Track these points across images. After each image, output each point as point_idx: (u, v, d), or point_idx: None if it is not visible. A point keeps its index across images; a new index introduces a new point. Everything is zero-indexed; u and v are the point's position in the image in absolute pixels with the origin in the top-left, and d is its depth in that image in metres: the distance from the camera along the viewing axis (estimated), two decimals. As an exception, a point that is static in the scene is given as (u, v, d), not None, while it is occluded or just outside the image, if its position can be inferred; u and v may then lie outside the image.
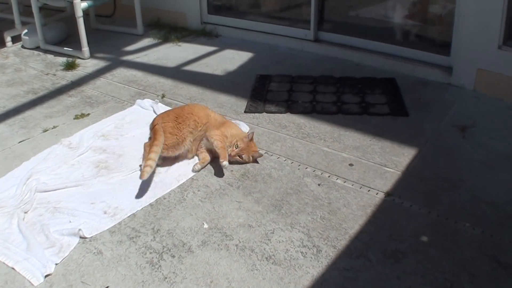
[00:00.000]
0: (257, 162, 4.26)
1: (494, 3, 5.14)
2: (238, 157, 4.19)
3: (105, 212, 3.66)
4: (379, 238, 3.39)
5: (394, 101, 5.22)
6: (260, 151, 4.32)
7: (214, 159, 4.25)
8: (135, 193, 3.88)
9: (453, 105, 5.04)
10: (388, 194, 3.83)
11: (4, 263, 3.24)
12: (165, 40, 7.39)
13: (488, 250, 3.26)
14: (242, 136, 4.29)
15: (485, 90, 5.37)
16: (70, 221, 3.57)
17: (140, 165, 4.12)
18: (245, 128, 4.73)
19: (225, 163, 4.02)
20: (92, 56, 6.82)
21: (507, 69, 5.17)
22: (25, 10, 7.75)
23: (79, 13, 6.57)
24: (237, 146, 4.16)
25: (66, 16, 7.79)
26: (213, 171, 4.16)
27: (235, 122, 4.79)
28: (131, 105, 5.28)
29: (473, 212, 3.61)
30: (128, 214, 3.64)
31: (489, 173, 4.09)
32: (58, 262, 3.24)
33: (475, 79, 5.42)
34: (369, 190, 3.88)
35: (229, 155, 4.14)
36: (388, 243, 3.34)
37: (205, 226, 3.51)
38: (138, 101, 5.29)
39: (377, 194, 3.84)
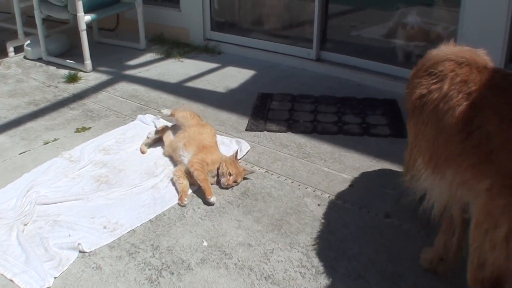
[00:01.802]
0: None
1: (497, 25, 5.18)
2: (234, 183, 4.20)
3: (104, 227, 3.67)
4: (377, 260, 3.40)
5: (395, 123, 5.23)
6: (260, 170, 4.34)
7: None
8: (135, 209, 3.88)
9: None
10: (387, 216, 3.84)
11: (2, 274, 3.24)
12: (168, 55, 7.41)
13: (488, 272, 3.26)
14: (225, 158, 4.29)
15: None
16: (69, 235, 3.57)
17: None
18: (245, 146, 4.76)
19: (212, 199, 3.99)
20: (94, 69, 6.84)
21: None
22: (28, 21, 7.75)
23: (82, 26, 6.60)
24: (230, 174, 4.15)
25: (69, 28, 7.80)
26: (213, 189, 4.14)
27: (236, 140, 4.82)
28: (132, 120, 5.30)
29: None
30: (128, 230, 3.64)
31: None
32: (57, 276, 3.25)
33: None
34: (368, 212, 3.89)
35: (227, 184, 4.14)
36: (386, 265, 3.35)
37: (205, 244, 3.51)
38: (140, 116, 5.31)
39: (376, 215, 3.85)
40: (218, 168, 4.25)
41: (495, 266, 2.51)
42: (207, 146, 4.40)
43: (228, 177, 4.14)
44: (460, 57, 2.97)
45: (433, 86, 2.94)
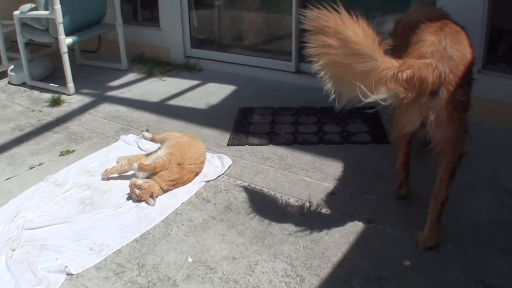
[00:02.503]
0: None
1: (474, 28, 5.22)
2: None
3: (91, 249, 3.70)
4: (362, 265, 3.43)
5: (375, 129, 5.30)
6: (242, 184, 4.42)
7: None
8: (120, 229, 3.91)
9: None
10: (370, 221, 3.88)
11: (-8, 301, 3.28)
12: (149, 75, 7.45)
13: (471, 271, 3.32)
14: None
15: (467, 113, 5.47)
16: (56, 258, 3.59)
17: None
18: (227, 161, 4.80)
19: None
20: (77, 91, 6.86)
21: (487, 92, 5.24)
22: (12, 46, 7.78)
23: (64, 49, 6.64)
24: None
25: (52, 51, 7.82)
26: (196, 205, 4.20)
27: (218, 155, 4.87)
28: (115, 141, 5.33)
29: (455, 234, 3.68)
30: (114, 250, 3.67)
31: (469, 195, 4.18)
32: (45, 299, 3.29)
33: (456, 103, 5.50)
34: (351, 218, 3.93)
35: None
36: (371, 270, 3.38)
37: (190, 260, 3.54)
38: (122, 136, 5.34)
39: (359, 221, 3.89)
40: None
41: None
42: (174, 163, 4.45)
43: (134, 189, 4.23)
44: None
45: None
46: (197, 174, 4.58)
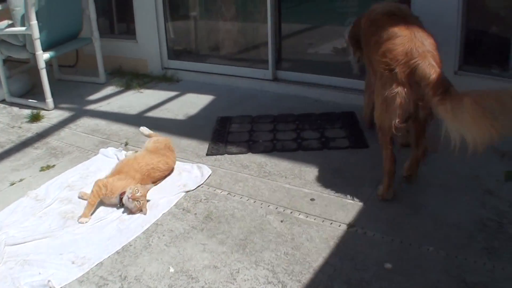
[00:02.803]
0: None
1: (449, 30, 5.28)
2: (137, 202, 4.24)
3: (73, 262, 3.69)
4: (343, 269, 3.45)
5: (353, 134, 5.33)
6: (222, 192, 4.44)
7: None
8: (102, 242, 3.90)
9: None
10: (350, 225, 3.90)
11: (-24, 318, 3.28)
12: (127, 87, 7.45)
13: (454, 272, 3.34)
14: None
15: (444, 115, 5.51)
16: (39, 273, 3.59)
17: None
18: (207, 171, 4.80)
19: (81, 220, 4.17)
20: (56, 107, 6.85)
21: (464, 94, 5.32)
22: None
23: (41, 65, 6.64)
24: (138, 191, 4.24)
25: (30, 67, 7.80)
26: (176, 215, 4.20)
27: (197, 165, 4.89)
28: (95, 155, 5.33)
29: (436, 236, 3.71)
30: (96, 263, 3.67)
31: (450, 196, 4.21)
32: (29, 314, 3.29)
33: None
34: (331, 223, 3.95)
35: (131, 196, 4.22)
36: (353, 273, 3.40)
37: (171, 270, 3.55)
38: (102, 150, 5.34)
39: (339, 226, 3.91)
40: (121, 195, 4.32)
41: None
42: (125, 172, 4.51)
43: (135, 194, 4.21)
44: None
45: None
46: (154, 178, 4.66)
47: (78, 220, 4.10)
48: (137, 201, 4.19)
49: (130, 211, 4.24)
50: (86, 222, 4.12)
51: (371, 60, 4.45)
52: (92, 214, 4.24)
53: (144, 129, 5.17)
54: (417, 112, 4.04)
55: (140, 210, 4.22)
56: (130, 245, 3.85)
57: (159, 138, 5.00)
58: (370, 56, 4.51)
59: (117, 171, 4.53)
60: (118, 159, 5.08)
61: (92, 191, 4.27)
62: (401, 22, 4.17)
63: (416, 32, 4.02)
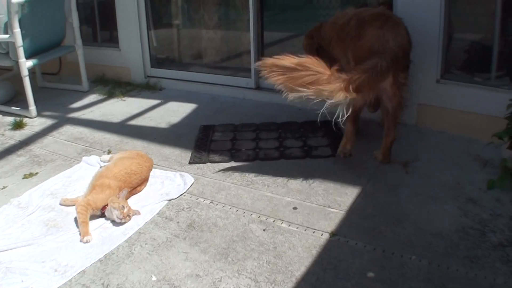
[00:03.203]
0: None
1: (431, 38, 5.32)
2: (128, 217, 4.22)
3: (55, 270, 3.67)
4: (325, 278, 3.45)
5: (336, 143, 5.31)
6: (204, 201, 4.45)
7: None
8: (84, 250, 3.89)
9: (395, 142, 5.16)
10: (333, 234, 3.91)
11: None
12: (110, 95, 7.45)
13: (436, 280, 3.36)
14: (112, 198, 4.31)
15: (427, 124, 5.61)
16: (22, 281, 3.57)
17: None
18: (189, 180, 4.81)
19: (85, 239, 4.04)
20: (39, 114, 6.83)
21: (446, 102, 5.36)
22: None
23: (24, 72, 6.63)
24: (124, 207, 4.20)
25: (13, 75, 7.79)
26: (159, 224, 4.20)
27: (180, 174, 4.89)
28: (78, 162, 5.31)
29: (419, 244, 3.72)
30: (78, 271, 3.65)
31: (432, 205, 4.23)
32: (11, 323, 3.28)
33: (416, 114, 5.64)
34: (313, 232, 3.96)
35: (122, 218, 4.18)
36: (335, 282, 3.40)
37: (153, 278, 3.55)
38: (85, 158, 5.33)
39: (322, 235, 3.92)
40: (104, 208, 4.29)
41: None
42: (100, 185, 4.46)
43: (122, 210, 4.17)
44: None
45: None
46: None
47: (82, 240, 4.01)
48: (128, 216, 4.21)
49: (113, 220, 4.24)
50: (91, 239, 4.06)
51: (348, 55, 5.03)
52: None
53: (104, 157, 5.15)
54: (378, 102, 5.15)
55: (129, 216, 4.22)
56: (113, 254, 3.84)
57: (127, 150, 5.01)
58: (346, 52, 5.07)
59: (92, 187, 4.49)
60: (101, 167, 5.07)
61: (78, 213, 4.20)
62: (380, 23, 4.78)
63: (389, 34, 4.68)
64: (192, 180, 4.81)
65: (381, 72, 4.47)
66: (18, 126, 6.45)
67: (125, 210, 4.18)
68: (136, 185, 4.64)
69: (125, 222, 4.19)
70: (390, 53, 4.52)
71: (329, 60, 4.80)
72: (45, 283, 3.56)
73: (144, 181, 4.74)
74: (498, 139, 4.56)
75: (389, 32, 4.62)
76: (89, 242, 4.00)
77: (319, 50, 5.49)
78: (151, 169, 4.90)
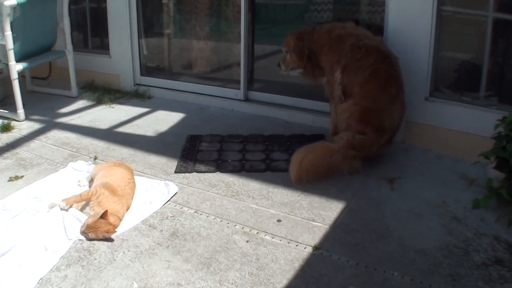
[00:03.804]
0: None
1: (421, 57, 5.35)
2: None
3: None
4: (307, 292, 3.45)
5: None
6: (189, 210, 4.45)
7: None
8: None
9: (381, 158, 5.20)
10: (316, 248, 3.91)
11: None
12: (99, 102, 7.44)
13: (418, 297, 3.36)
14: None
15: (414, 141, 5.63)
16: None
17: None
18: (173, 189, 4.79)
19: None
20: (27, 118, 6.82)
21: (434, 120, 5.39)
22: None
23: (14, 75, 6.62)
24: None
25: (2, 78, 7.76)
26: (142, 231, 4.19)
27: (164, 182, 4.89)
28: (64, 167, 5.30)
29: (402, 261, 3.73)
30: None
31: (417, 222, 4.25)
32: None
33: (403, 131, 5.63)
34: (297, 245, 3.96)
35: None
36: (316, 296, 3.40)
37: (135, 285, 3.54)
38: (71, 163, 5.31)
39: (305, 248, 3.92)
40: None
41: None
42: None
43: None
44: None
45: None
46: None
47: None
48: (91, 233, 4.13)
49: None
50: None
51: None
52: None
53: (82, 180, 5.07)
54: None
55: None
56: (95, 259, 3.83)
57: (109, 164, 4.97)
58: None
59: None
60: (88, 172, 5.06)
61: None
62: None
63: None
64: (176, 189, 4.80)
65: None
66: (5, 129, 6.43)
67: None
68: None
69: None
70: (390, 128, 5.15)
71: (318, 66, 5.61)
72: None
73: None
74: (485, 159, 4.57)
75: (397, 111, 5.18)
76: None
77: (311, 55, 5.59)
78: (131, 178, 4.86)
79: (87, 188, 4.79)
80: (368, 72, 5.10)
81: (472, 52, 5.57)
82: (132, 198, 4.60)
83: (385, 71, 5.11)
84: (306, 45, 5.63)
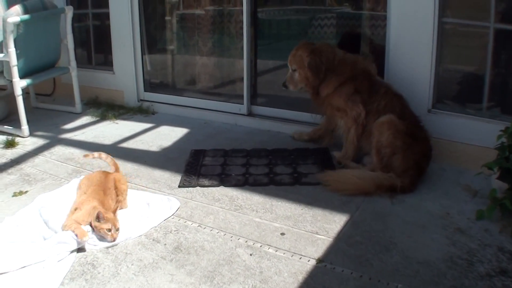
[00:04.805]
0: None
1: (423, 68, 5.35)
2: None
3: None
4: (311, 304, 3.44)
5: (326, 170, 5.33)
6: (193, 224, 4.46)
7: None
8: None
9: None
10: (319, 261, 3.89)
11: None
12: (103, 118, 7.47)
13: (422, 310, 3.35)
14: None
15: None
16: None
17: None
18: (175, 204, 4.79)
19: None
20: (31, 134, 6.84)
21: (437, 132, 5.36)
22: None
23: (18, 92, 6.66)
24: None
25: (6, 94, 7.79)
26: (146, 245, 4.19)
27: (167, 198, 4.89)
28: (68, 182, 5.30)
29: (406, 273, 3.71)
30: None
31: (421, 234, 4.23)
32: None
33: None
34: (300, 258, 3.95)
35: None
36: (320, 309, 3.39)
37: (138, 299, 3.55)
38: (75, 180, 5.32)
39: (308, 261, 3.91)
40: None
41: None
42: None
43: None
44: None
45: None
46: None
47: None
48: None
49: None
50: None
51: None
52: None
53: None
54: None
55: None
56: (98, 273, 3.83)
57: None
58: None
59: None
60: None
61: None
62: None
63: None
64: (178, 204, 4.79)
65: None
66: (10, 144, 6.46)
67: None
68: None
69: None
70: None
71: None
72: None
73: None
74: (488, 170, 4.57)
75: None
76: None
77: (327, 73, 5.61)
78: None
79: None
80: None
81: (474, 64, 5.59)
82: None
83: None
84: (323, 63, 5.58)
